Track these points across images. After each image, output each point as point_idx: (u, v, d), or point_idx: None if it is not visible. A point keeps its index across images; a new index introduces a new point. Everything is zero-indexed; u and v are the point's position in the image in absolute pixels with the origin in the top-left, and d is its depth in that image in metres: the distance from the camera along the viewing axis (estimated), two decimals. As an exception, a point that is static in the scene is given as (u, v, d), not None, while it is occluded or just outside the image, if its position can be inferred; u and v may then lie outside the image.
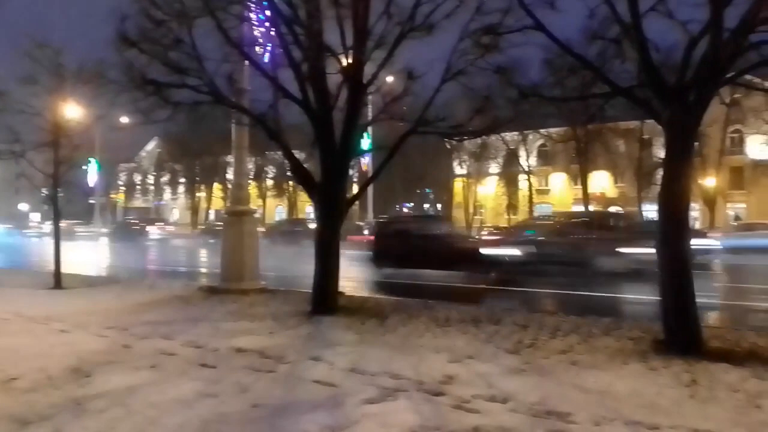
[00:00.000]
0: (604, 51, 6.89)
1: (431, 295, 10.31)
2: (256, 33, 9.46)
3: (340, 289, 8.79)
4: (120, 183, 71.19)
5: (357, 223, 35.43)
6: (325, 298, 8.24)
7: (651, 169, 39.48)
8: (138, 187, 72.68)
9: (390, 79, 10.20)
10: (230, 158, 16.10)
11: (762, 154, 42.08)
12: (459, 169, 54.73)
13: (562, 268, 14.55)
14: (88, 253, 26.54)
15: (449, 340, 6.41)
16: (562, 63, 10.82)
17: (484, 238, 16.27)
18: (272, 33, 8.54)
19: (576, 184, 47.94)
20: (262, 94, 9.57)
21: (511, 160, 50.62)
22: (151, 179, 71.10)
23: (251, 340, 6.34)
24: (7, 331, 7.03)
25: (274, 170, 56.01)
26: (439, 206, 60.56)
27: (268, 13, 8.45)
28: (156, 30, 7.99)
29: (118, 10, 7.86)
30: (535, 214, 44.71)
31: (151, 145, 69.00)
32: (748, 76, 6.82)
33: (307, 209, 51.58)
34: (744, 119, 41.61)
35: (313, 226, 30.90)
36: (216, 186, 60.89)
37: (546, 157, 53.35)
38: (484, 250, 14.54)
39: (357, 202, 14.64)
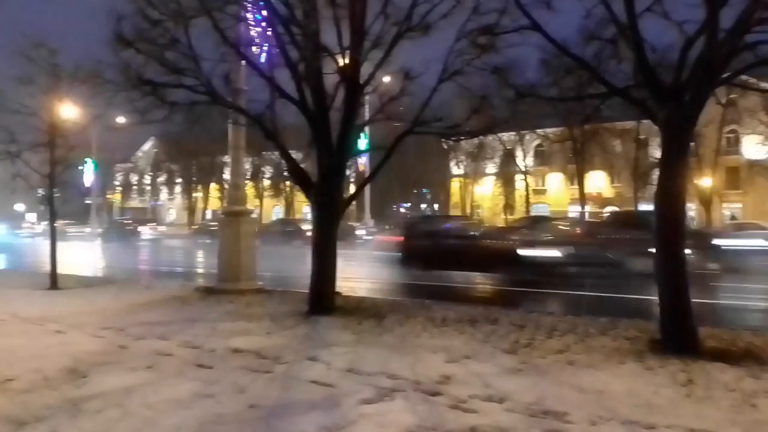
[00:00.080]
0: (601, 51, 6.89)
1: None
2: (252, 33, 9.45)
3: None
4: (116, 183, 70.99)
5: (350, 224, 34.97)
6: (322, 298, 8.25)
7: (647, 169, 39.57)
8: (135, 187, 72.50)
9: (387, 79, 10.19)
10: (227, 158, 16.04)
11: (758, 154, 42.16)
12: (456, 169, 54.78)
13: (595, 269, 14.00)
14: (79, 254, 26.43)
15: (446, 340, 6.42)
16: (558, 63, 10.89)
17: (520, 238, 15.64)
18: (269, 33, 8.54)
19: (573, 184, 47.99)
20: (259, 94, 9.58)
21: (508, 160, 50.66)
22: (147, 179, 70.93)
23: (248, 341, 6.34)
24: (2, 332, 7.02)
25: (271, 170, 55.95)
26: (436, 206, 60.56)
27: (264, 12, 8.44)
28: (152, 30, 7.98)
29: (114, 9, 7.86)
30: (533, 214, 44.72)
31: (148, 145, 68.81)
32: (743, 77, 6.84)
33: (305, 209, 51.53)
34: (740, 119, 41.72)
35: (305, 226, 31.08)
36: (213, 186, 60.79)
37: (543, 157, 53.40)
38: (522, 251, 13.87)
39: (354, 203, 14.57)
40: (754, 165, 42.91)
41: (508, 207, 51.05)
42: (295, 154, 9.17)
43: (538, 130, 45.23)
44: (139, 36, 8.01)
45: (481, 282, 13.73)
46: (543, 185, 55.05)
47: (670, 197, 5.92)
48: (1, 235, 28.86)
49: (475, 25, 7.68)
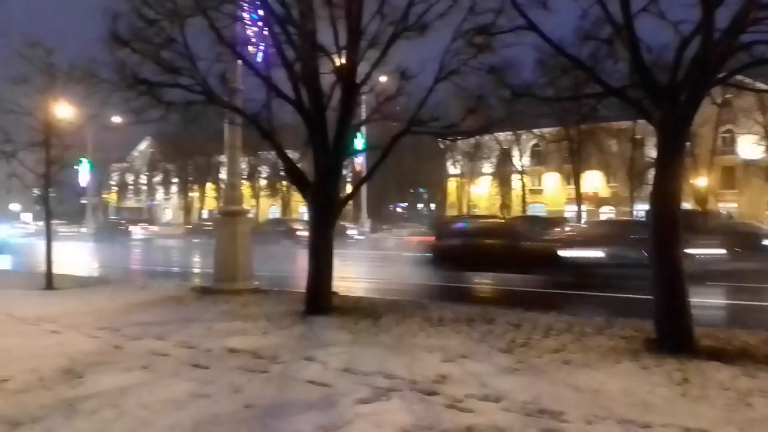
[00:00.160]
0: (597, 51, 6.90)
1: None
2: (248, 32, 9.43)
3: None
4: (112, 183, 70.83)
5: (343, 224, 34.53)
6: (318, 298, 8.24)
7: (643, 169, 39.65)
8: (130, 187, 72.32)
9: (383, 79, 10.19)
10: (223, 158, 15.95)
11: (753, 154, 42.39)
12: (452, 169, 54.86)
13: (633, 270, 12.62)
14: (71, 253, 26.27)
15: (443, 339, 6.42)
16: (554, 63, 10.88)
17: (560, 238, 15.20)
18: (265, 32, 8.51)
19: (569, 183, 48.11)
20: (255, 94, 9.57)
21: (504, 159, 50.78)
22: (143, 179, 70.76)
23: (244, 341, 6.33)
24: (-2, 332, 6.99)
25: (268, 170, 55.85)
26: (432, 206, 60.60)
27: (260, 12, 8.42)
28: (148, 29, 7.96)
29: (109, 9, 7.84)
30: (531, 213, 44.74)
31: (144, 145, 68.67)
32: (739, 77, 6.86)
33: (301, 209, 51.48)
34: (735, 119, 41.94)
35: (295, 226, 31.07)
36: (209, 186, 60.68)
37: (539, 157, 53.51)
38: (563, 252, 13.41)
39: (350, 202, 14.50)
40: (749, 165, 43.16)
41: (505, 207, 51.11)
42: (292, 154, 9.18)
43: (535, 130, 45.37)
44: (135, 35, 7.99)
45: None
46: (539, 185, 55.19)
47: (666, 197, 5.94)
48: (4, 236, 28.67)
49: (472, 24, 7.70)
